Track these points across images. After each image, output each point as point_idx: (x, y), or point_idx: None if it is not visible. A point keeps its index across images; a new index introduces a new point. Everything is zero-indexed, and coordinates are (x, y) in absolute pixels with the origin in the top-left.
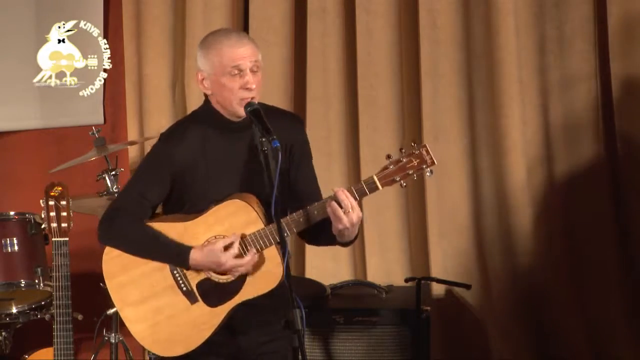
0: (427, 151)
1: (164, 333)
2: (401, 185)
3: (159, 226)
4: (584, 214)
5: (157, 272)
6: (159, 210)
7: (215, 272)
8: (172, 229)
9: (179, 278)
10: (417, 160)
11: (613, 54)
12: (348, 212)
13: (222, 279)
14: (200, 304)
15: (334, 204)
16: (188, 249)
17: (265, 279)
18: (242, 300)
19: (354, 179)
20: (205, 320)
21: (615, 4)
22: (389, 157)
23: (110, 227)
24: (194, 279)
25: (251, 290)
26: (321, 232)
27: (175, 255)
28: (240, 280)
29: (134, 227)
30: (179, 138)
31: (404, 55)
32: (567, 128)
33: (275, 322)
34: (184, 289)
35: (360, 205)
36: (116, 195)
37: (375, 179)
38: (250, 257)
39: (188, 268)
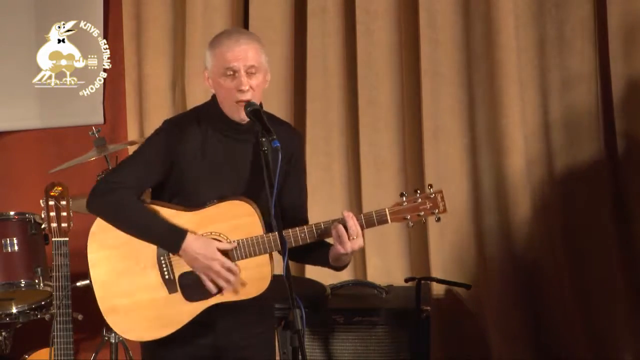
0: (442, 198)
1: (133, 316)
2: (408, 225)
3: (157, 209)
4: (584, 214)
5: (143, 250)
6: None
7: (198, 266)
8: (171, 216)
9: (164, 265)
10: (431, 205)
11: (613, 54)
12: (353, 238)
13: None
14: (178, 295)
15: (341, 227)
16: (184, 231)
17: (249, 287)
18: (221, 301)
19: (354, 178)
20: (177, 312)
21: (615, 4)
22: (402, 195)
23: (102, 195)
24: (179, 269)
25: (232, 294)
26: (311, 251)
27: (169, 235)
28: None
29: (130, 201)
30: (182, 129)
31: (404, 55)
32: (567, 128)
33: (258, 324)
34: (167, 277)
35: (359, 203)
36: (112, 169)
37: (387, 212)
38: (234, 279)
39: (178, 252)
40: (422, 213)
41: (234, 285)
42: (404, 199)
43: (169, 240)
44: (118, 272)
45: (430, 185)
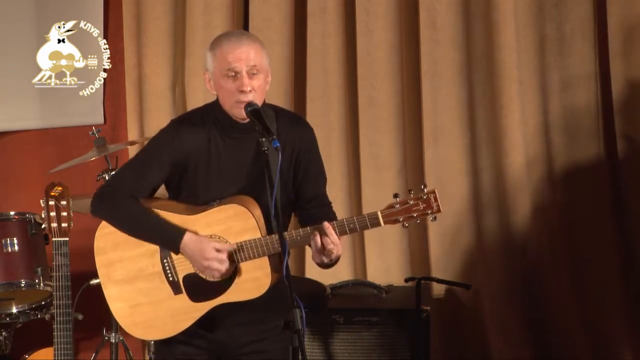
0: (435, 198)
1: (142, 316)
2: (403, 225)
3: (157, 211)
4: (584, 214)
5: (147, 257)
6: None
7: (198, 265)
8: (171, 219)
9: (167, 267)
10: (424, 205)
11: (613, 54)
12: (329, 248)
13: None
14: (183, 296)
15: (318, 238)
16: (183, 230)
17: (251, 287)
18: (225, 302)
19: (354, 179)
20: (184, 312)
21: (615, 4)
22: (396, 195)
23: (105, 200)
24: (182, 271)
25: (236, 294)
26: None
27: (168, 234)
28: (227, 282)
29: (129, 203)
30: (187, 129)
31: (404, 55)
32: (567, 128)
33: (265, 321)
34: (171, 279)
35: (359, 203)
36: (114, 172)
37: (380, 215)
38: (228, 269)
39: (178, 251)
40: (415, 214)
41: (235, 285)
42: (397, 200)
43: (170, 238)
44: (120, 280)
45: (424, 185)
